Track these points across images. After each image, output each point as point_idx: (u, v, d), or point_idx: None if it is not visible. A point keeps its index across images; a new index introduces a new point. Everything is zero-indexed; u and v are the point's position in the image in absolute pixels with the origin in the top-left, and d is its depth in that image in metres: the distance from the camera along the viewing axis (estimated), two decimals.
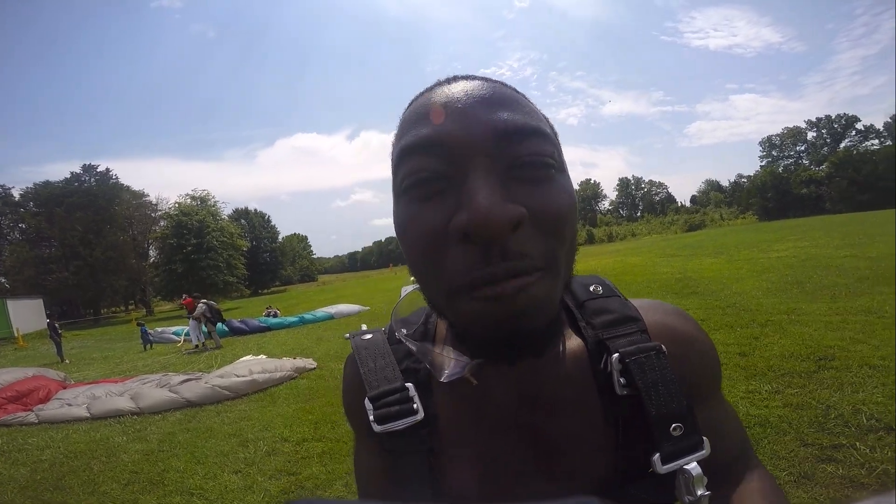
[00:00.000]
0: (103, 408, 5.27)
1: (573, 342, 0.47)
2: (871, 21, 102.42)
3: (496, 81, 0.40)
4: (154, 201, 40.75)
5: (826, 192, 53.66)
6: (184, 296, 11.80)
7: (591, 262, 19.64)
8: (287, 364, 6.15)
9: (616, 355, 0.43)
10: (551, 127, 0.42)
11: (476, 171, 0.34)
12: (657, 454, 0.42)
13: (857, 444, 2.52)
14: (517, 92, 0.41)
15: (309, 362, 6.50)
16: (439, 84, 0.41)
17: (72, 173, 38.21)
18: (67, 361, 11.00)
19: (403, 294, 0.52)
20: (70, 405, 5.48)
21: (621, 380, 0.43)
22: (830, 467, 2.37)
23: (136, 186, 42.23)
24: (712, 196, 78.18)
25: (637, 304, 0.49)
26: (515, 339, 0.36)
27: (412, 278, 0.42)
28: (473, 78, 0.40)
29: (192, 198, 35.44)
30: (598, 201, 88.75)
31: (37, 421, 5.29)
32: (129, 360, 10.04)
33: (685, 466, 0.42)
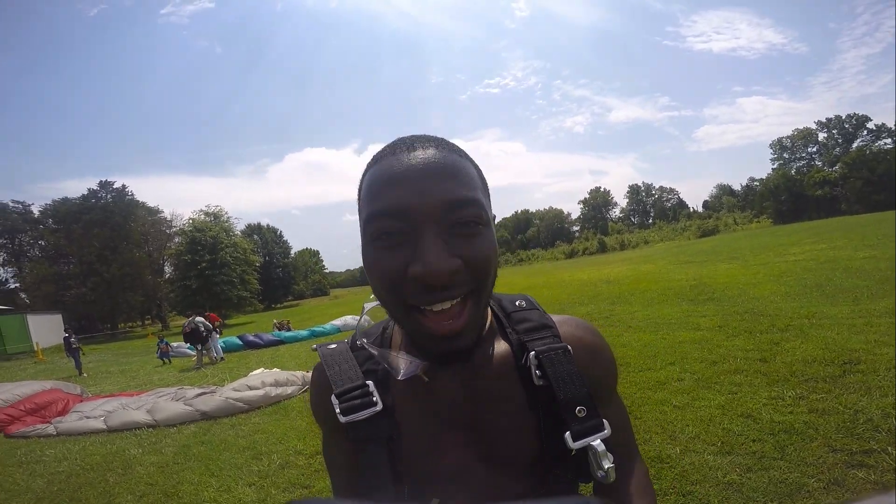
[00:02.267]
0: (120, 420, 5.33)
1: (501, 345, 0.58)
2: (872, 19, 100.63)
3: (446, 148, 0.51)
4: (169, 217, 41.53)
5: (841, 193, 52.65)
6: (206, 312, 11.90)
7: (604, 270, 19.43)
8: (299, 377, 6.15)
9: (532, 353, 0.55)
10: (483, 185, 0.53)
11: (427, 232, 0.46)
12: (567, 432, 0.52)
13: (890, 448, 2.43)
14: (462, 157, 0.52)
15: None
16: (400, 148, 0.50)
17: (89, 190, 38.92)
18: (85, 375, 11.15)
19: (366, 309, 0.61)
20: (88, 417, 5.56)
21: (537, 372, 0.54)
22: (862, 473, 2.29)
23: (150, 203, 42.97)
24: (725, 200, 77.09)
25: (555, 317, 0.62)
26: (454, 352, 0.49)
27: (372, 296, 0.55)
28: (428, 145, 0.50)
29: (206, 214, 35.99)
30: (609, 209, 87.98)
31: (55, 433, 5.36)
32: (145, 373, 10.15)
33: (592, 444, 0.52)
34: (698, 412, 3.29)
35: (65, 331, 13.24)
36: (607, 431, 0.53)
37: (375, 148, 0.56)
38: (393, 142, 0.53)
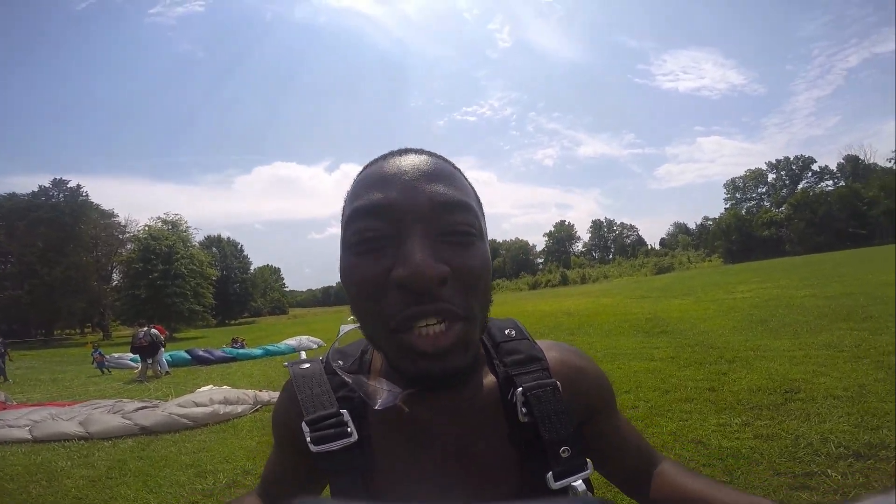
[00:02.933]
0: (47, 431, 4.94)
1: (488, 378, 0.55)
2: (826, 62, 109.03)
3: (439, 157, 0.50)
4: (123, 222, 39.41)
5: (785, 234, 56.55)
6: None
7: (565, 302, 19.89)
8: (251, 396, 5.88)
9: (520, 389, 0.52)
10: (477, 199, 0.51)
11: (413, 233, 0.43)
12: (550, 472, 0.50)
13: (829, 471, 2.57)
14: (454, 167, 0.50)
15: (274, 395, 6.23)
16: (392, 155, 0.49)
17: (40, 187, 36.49)
18: (10, 381, 10.28)
19: (342, 332, 0.59)
20: (11, 427, 5.10)
21: (523, 409, 0.51)
22: (805, 494, 2.40)
23: (106, 206, 40.65)
24: (680, 239, 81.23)
25: (543, 345, 0.58)
26: (442, 373, 0.44)
27: (350, 318, 0.50)
28: (421, 153, 0.49)
29: (164, 221, 34.41)
30: (572, 243, 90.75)
31: None
32: (79, 383, 9.41)
33: (573, 483, 0.50)
34: (652, 438, 3.37)
35: None
36: (589, 471, 0.52)
37: (348, 167, 0.53)
38: (386, 152, 0.51)
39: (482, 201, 0.53)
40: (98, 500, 3.31)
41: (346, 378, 0.52)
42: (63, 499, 3.37)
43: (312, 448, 0.48)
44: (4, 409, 5.89)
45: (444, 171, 0.47)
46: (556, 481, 0.50)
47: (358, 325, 0.49)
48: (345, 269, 0.46)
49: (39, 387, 9.32)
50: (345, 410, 0.51)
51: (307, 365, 0.56)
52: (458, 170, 0.51)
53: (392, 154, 0.49)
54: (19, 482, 3.75)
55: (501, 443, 0.52)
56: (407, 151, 0.49)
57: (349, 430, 0.49)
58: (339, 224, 0.49)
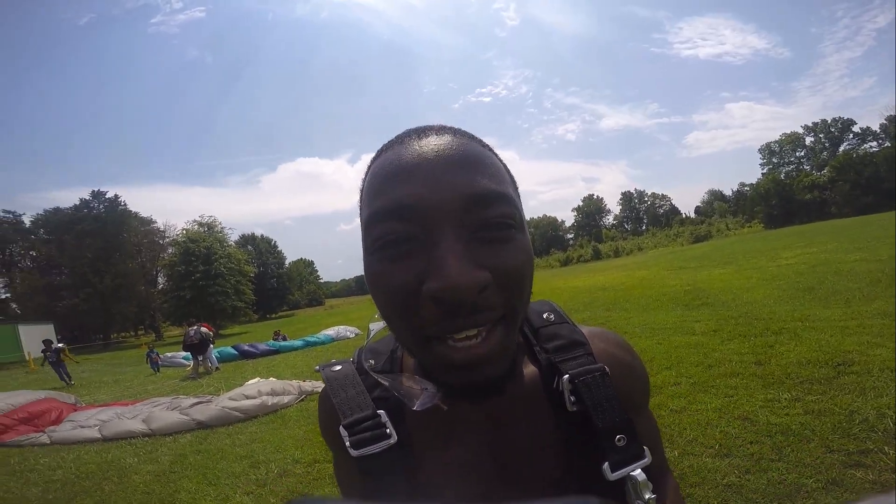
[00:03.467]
0: (115, 430, 5.28)
1: (529, 366, 0.51)
2: (851, 23, 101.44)
3: (465, 136, 0.43)
4: (162, 228, 41.39)
5: (830, 197, 53.41)
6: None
7: (598, 277, 19.52)
8: (296, 386, 6.12)
9: (566, 376, 0.48)
10: (513, 183, 0.46)
11: (445, 236, 0.38)
12: (606, 463, 0.46)
13: (886, 448, 2.46)
14: (484, 146, 0.44)
15: (318, 384, 6.47)
16: (410, 137, 0.43)
17: (81, 200, 38.83)
18: (74, 384, 10.98)
19: (372, 331, 0.55)
20: (82, 427, 5.49)
21: (571, 398, 0.48)
22: (860, 472, 2.31)
23: (143, 213, 42.69)
24: (716, 206, 77.81)
25: (584, 330, 0.55)
26: (479, 383, 0.41)
27: (377, 315, 0.46)
28: (443, 132, 0.43)
29: (200, 224, 35.82)
30: (603, 216, 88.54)
31: (49, 442, 5.30)
32: (139, 383, 10.05)
33: (632, 473, 0.47)
34: (695, 416, 3.31)
35: (43, 342, 12.18)
36: (647, 459, 0.48)
37: (369, 157, 0.47)
38: (402, 132, 0.45)
39: None
40: (164, 494, 3.52)
41: (380, 380, 0.49)
42: (133, 494, 3.59)
43: (353, 452, 0.47)
44: (75, 410, 6.28)
45: (472, 155, 0.41)
46: (612, 472, 0.46)
47: (385, 324, 0.46)
48: (371, 277, 0.42)
49: (104, 388, 9.97)
50: (382, 411, 0.49)
51: (339, 367, 0.54)
52: (488, 147, 0.45)
53: (410, 136, 0.43)
54: (93, 480, 4.01)
55: (548, 434, 0.49)
56: (427, 131, 0.43)
57: (388, 431, 0.48)
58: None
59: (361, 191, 0.45)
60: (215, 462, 4.06)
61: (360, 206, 0.45)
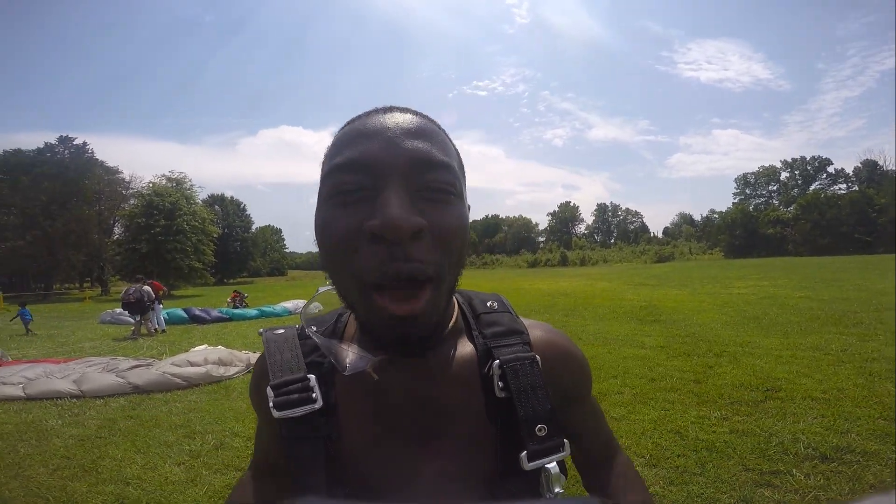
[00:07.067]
0: (41, 388, 4.94)
1: (466, 348, 0.53)
2: (860, 63, 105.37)
3: (424, 116, 0.48)
4: (127, 179, 39.21)
5: (790, 234, 56.16)
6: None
7: (562, 283, 19.96)
8: (244, 358, 5.97)
9: (497, 361, 0.50)
10: (459, 162, 0.49)
11: (391, 187, 0.41)
12: (524, 452, 0.47)
13: (794, 470, 2.64)
14: (438, 128, 0.48)
15: None
16: (377, 111, 0.47)
17: (46, 143, 36.41)
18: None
19: (319, 292, 0.56)
20: (4, 383, 5.11)
21: (500, 383, 0.49)
22: (768, 492, 2.46)
23: (110, 163, 40.40)
24: (684, 229, 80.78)
25: (526, 322, 0.57)
26: (407, 339, 0.43)
27: (328, 280, 0.48)
28: (406, 111, 0.47)
29: (169, 179, 34.15)
30: (576, 224, 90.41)
31: None
32: (75, 340, 9.51)
33: (546, 465, 0.48)
34: (633, 425, 3.44)
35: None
36: (565, 453, 0.49)
37: None
38: (370, 109, 0.49)
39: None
40: (86, 460, 3.34)
41: (317, 340, 0.50)
42: (51, 458, 3.38)
43: (275, 414, 0.47)
44: (0, 365, 5.88)
45: (427, 130, 0.46)
46: (529, 461, 0.47)
47: (334, 287, 0.47)
48: (320, 223, 0.45)
49: (35, 342, 9.34)
50: (312, 375, 0.49)
51: (281, 330, 0.55)
52: (443, 130, 0.49)
53: (376, 111, 0.47)
54: (8, 441, 3.75)
55: (476, 417, 0.50)
56: (392, 109, 0.47)
57: (314, 395, 0.48)
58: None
59: (325, 154, 0.48)
60: (147, 429, 3.90)
61: (322, 165, 0.48)
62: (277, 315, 12.50)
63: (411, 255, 0.41)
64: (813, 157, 66.80)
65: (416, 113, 0.48)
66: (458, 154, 0.50)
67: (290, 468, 0.48)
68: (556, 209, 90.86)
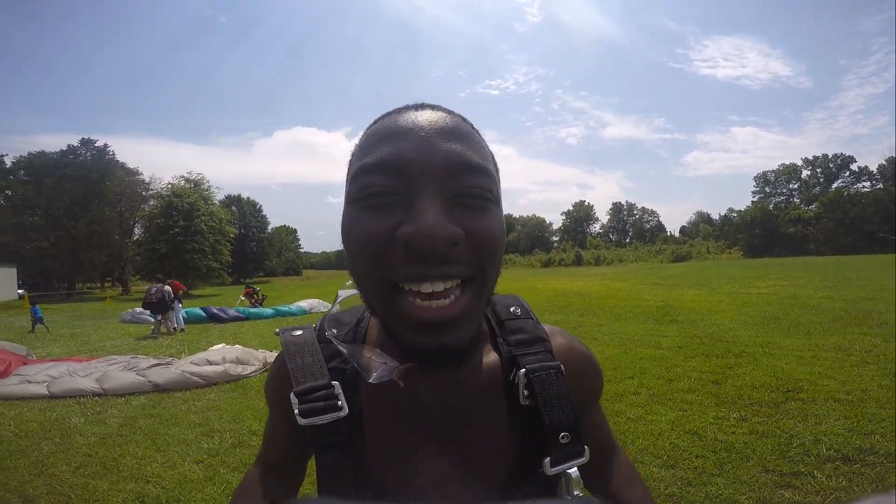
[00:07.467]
0: (64, 387, 5.05)
1: (490, 356, 0.52)
2: (884, 59, 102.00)
3: (458, 116, 0.46)
4: (147, 180, 40.14)
5: (812, 233, 54.85)
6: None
7: (577, 282, 19.77)
8: (261, 357, 6.04)
9: (523, 370, 0.50)
10: (495, 165, 0.48)
11: (426, 192, 0.40)
12: (548, 458, 0.48)
13: (815, 472, 2.58)
14: (473, 128, 0.47)
15: None
16: (408, 108, 0.45)
17: (69, 146, 37.44)
18: (32, 335, 10.53)
19: (340, 297, 0.56)
20: (30, 382, 5.24)
21: (525, 392, 0.49)
22: (788, 493, 2.41)
23: (131, 164, 41.48)
24: (701, 228, 79.48)
25: (547, 328, 0.57)
26: (442, 348, 0.41)
27: (349, 282, 0.47)
28: (439, 109, 0.45)
29: (187, 180, 34.87)
30: (590, 224, 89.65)
31: None
32: (97, 339, 9.76)
33: (568, 470, 0.49)
34: (650, 426, 3.39)
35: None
36: (585, 459, 0.50)
37: None
38: (401, 106, 0.47)
39: (501, 175, 0.50)
40: (107, 458, 3.40)
41: (340, 347, 0.49)
42: (73, 456, 3.45)
43: (300, 421, 0.47)
44: (25, 364, 5.97)
45: (463, 131, 0.44)
46: (552, 467, 0.48)
47: (356, 290, 0.46)
48: (347, 226, 0.43)
49: (60, 341, 9.59)
50: (336, 382, 0.49)
51: (299, 332, 0.54)
52: (478, 131, 0.48)
53: (408, 108, 0.45)
54: (33, 439, 3.84)
55: (500, 424, 0.50)
56: (423, 106, 0.45)
57: (339, 403, 0.47)
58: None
59: (353, 153, 0.47)
60: (167, 428, 3.97)
61: (349, 165, 0.47)
62: (293, 314, 12.70)
63: (446, 262, 0.39)
64: (835, 154, 65.21)
65: (449, 111, 0.46)
66: (493, 156, 0.48)
67: (316, 475, 0.48)
68: (571, 208, 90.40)
